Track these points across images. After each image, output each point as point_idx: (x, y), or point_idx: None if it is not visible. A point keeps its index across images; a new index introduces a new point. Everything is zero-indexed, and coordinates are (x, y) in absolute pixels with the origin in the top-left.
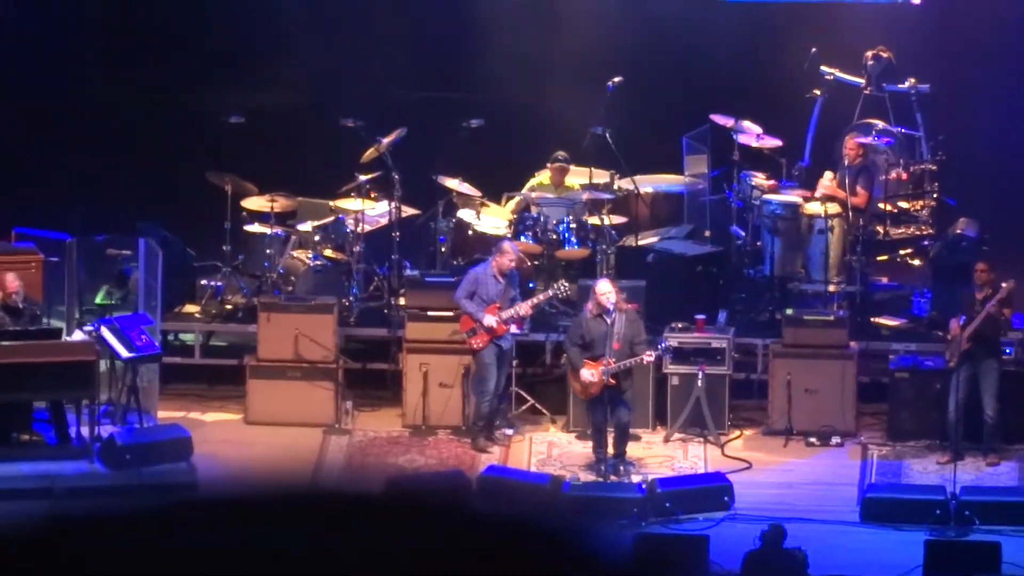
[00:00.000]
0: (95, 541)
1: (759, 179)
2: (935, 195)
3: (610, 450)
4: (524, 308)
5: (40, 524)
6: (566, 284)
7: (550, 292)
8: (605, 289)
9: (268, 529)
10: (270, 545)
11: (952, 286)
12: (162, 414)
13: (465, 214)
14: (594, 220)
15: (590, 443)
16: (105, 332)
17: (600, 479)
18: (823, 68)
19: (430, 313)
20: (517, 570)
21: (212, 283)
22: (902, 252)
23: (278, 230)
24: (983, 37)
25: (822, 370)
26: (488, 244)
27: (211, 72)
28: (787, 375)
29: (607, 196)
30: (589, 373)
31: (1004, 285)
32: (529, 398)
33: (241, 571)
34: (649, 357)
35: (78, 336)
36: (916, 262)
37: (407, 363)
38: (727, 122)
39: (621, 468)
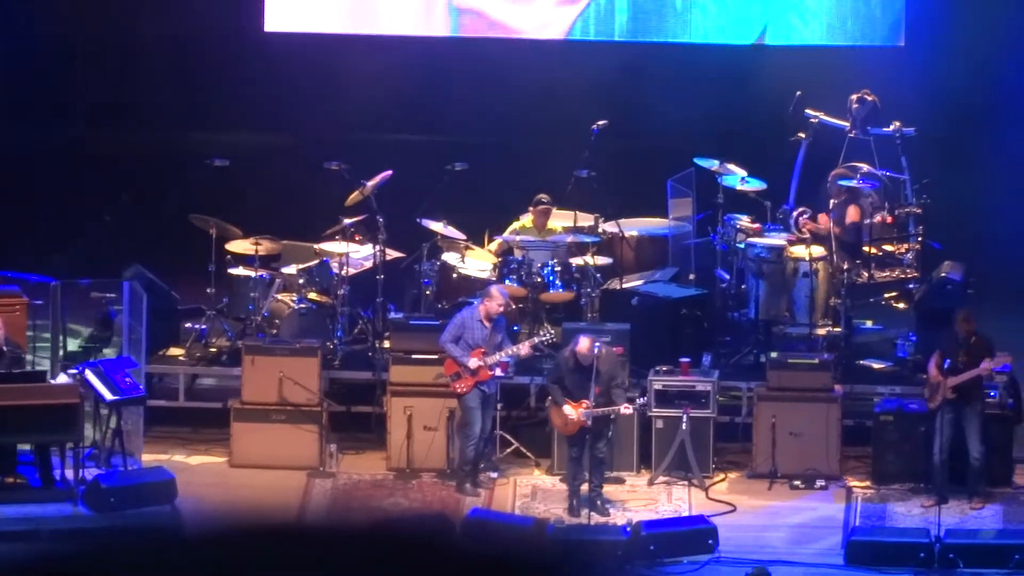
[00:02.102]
0: None
1: (744, 222)
2: (920, 238)
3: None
4: (524, 348)
5: (26, 566)
6: (551, 331)
7: (535, 339)
8: (583, 348)
9: (252, 570)
10: None
11: (937, 329)
12: (146, 457)
13: (450, 257)
14: (579, 263)
15: (569, 487)
16: (89, 375)
17: (574, 516)
18: (808, 111)
19: (414, 356)
20: None
21: (196, 326)
22: (887, 295)
23: (263, 273)
24: (968, 81)
25: (807, 413)
26: (473, 287)
27: (195, 115)
28: (772, 418)
29: (592, 239)
30: (570, 411)
31: (1001, 357)
32: (514, 441)
33: None
34: (627, 409)
35: (62, 379)
36: (901, 305)
37: (391, 406)
38: (712, 165)
39: (598, 502)
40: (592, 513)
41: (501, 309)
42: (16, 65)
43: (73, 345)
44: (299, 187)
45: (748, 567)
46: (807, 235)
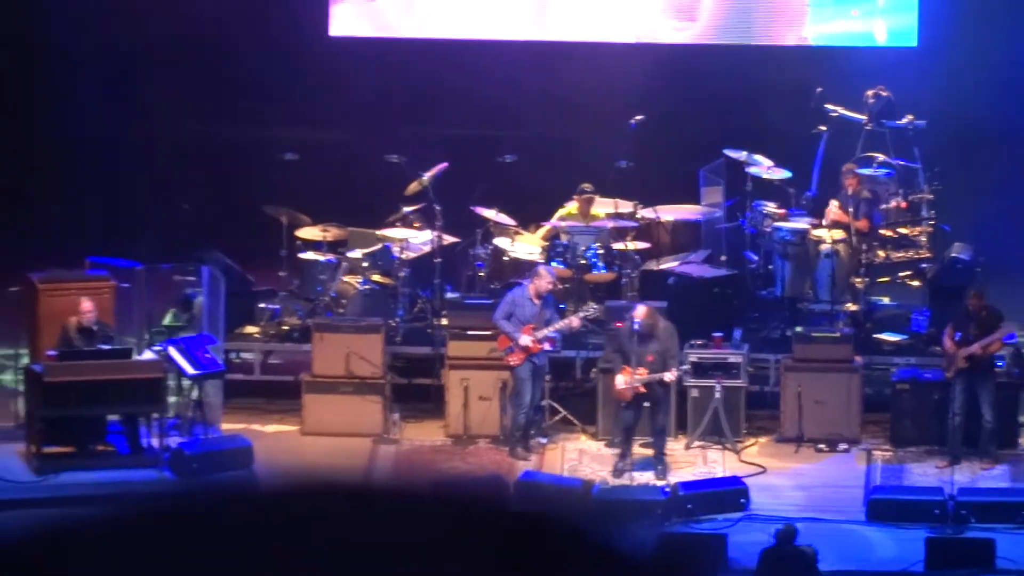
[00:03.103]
0: (163, 536)
1: (770, 208)
2: (932, 222)
3: (647, 454)
4: (575, 321)
5: (115, 526)
6: (596, 305)
7: (581, 313)
8: (639, 315)
9: (322, 521)
10: (327, 540)
11: (948, 305)
12: (225, 426)
13: (501, 242)
14: (619, 246)
15: (618, 450)
16: (173, 351)
17: (620, 479)
18: (828, 106)
19: (470, 332)
20: (551, 564)
21: (270, 306)
22: (902, 274)
23: (330, 257)
24: (975, 77)
25: (829, 382)
26: (522, 269)
27: (268, 113)
28: (797, 387)
29: (631, 224)
30: (621, 379)
31: (1007, 326)
32: (561, 410)
33: (300, 564)
34: (670, 376)
35: (148, 355)
36: (915, 283)
37: (449, 378)
38: (740, 156)
39: (659, 467)
40: (653, 476)
41: (550, 287)
42: (103, 66)
43: (157, 324)
44: (363, 178)
45: (777, 524)
46: (830, 221)
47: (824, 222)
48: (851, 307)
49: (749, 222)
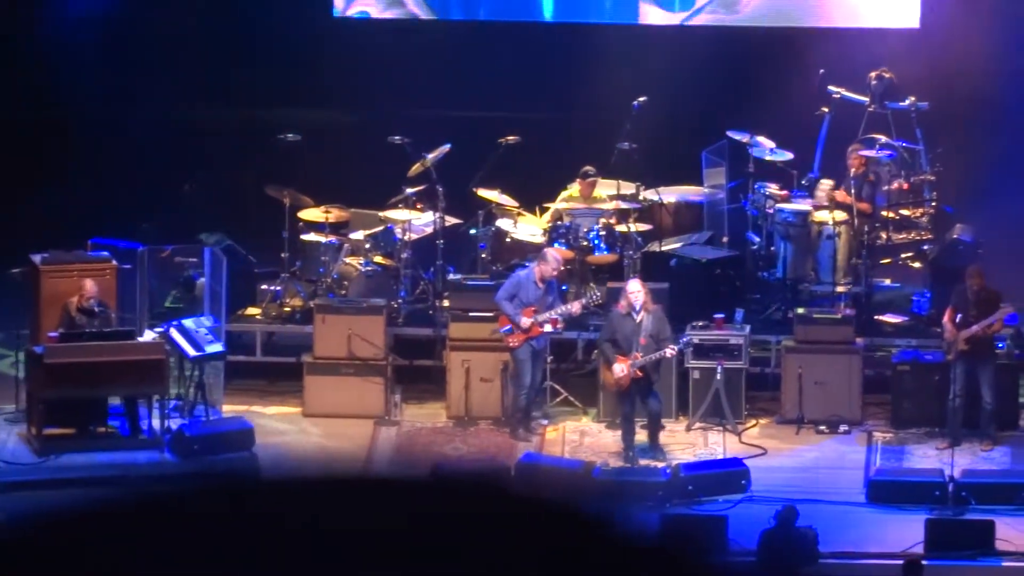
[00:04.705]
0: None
1: (772, 189)
2: (934, 203)
3: (644, 439)
4: (576, 307)
5: (116, 508)
6: (598, 292)
7: (583, 299)
8: (634, 288)
9: (323, 510)
10: (327, 523)
11: (950, 286)
12: (226, 407)
13: (503, 223)
14: (622, 228)
15: (619, 432)
16: (174, 333)
17: (628, 465)
18: (830, 88)
19: (472, 314)
20: (552, 545)
21: (272, 288)
22: (904, 255)
23: (332, 239)
24: (976, 59)
25: (830, 364)
26: (524, 251)
27: (270, 94)
28: (798, 369)
29: (633, 206)
30: (619, 367)
31: (1005, 308)
32: (563, 391)
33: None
34: (672, 351)
35: (149, 337)
36: (916, 265)
37: (451, 360)
38: (743, 137)
39: (655, 454)
40: (649, 462)
41: (555, 273)
42: (103, 47)
43: (159, 306)
44: (365, 160)
45: (778, 505)
46: (827, 202)
47: (823, 201)
48: (852, 288)
49: (751, 204)
